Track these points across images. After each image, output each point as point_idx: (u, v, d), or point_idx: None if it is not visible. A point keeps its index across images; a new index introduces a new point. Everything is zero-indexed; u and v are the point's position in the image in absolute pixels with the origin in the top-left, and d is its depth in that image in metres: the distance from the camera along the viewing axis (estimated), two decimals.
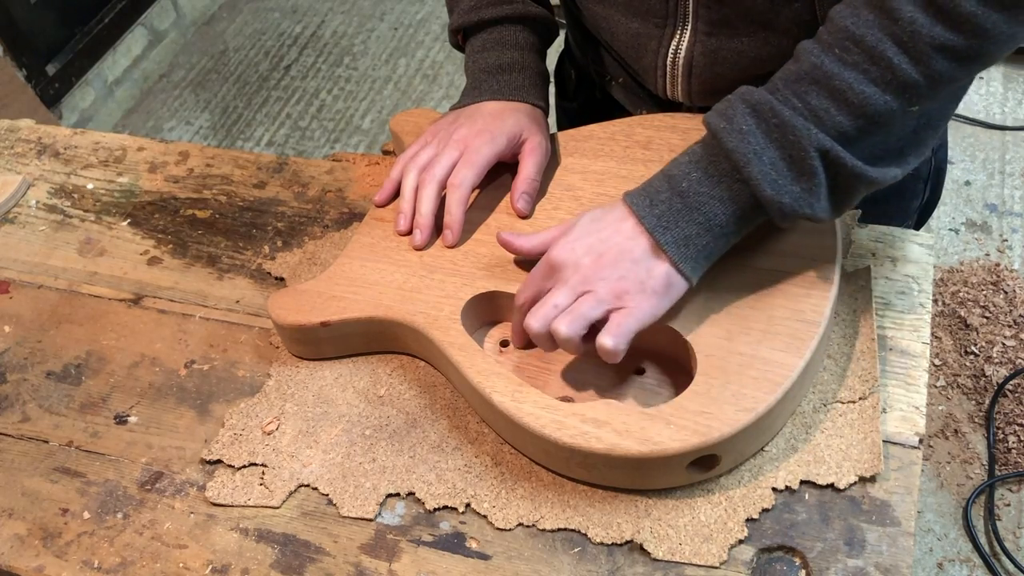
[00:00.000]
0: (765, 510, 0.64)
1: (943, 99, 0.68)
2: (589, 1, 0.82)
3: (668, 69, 0.80)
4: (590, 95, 0.99)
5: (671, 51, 0.78)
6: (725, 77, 0.78)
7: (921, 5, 0.58)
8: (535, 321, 0.66)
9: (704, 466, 0.64)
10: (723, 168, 0.63)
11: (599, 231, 0.67)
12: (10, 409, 0.78)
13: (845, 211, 0.65)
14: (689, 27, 0.76)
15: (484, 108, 0.80)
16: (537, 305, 0.67)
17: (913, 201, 0.93)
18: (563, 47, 1.03)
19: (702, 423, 0.62)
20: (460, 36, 0.87)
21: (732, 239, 0.66)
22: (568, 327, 0.64)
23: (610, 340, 0.63)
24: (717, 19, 0.75)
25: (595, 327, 0.65)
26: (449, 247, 0.77)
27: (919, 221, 0.97)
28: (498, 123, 0.79)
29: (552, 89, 0.89)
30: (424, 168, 0.79)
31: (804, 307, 0.67)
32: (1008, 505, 1.53)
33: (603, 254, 0.65)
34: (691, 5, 0.75)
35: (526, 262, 0.74)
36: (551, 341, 0.66)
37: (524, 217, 0.78)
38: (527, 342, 0.72)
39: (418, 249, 0.77)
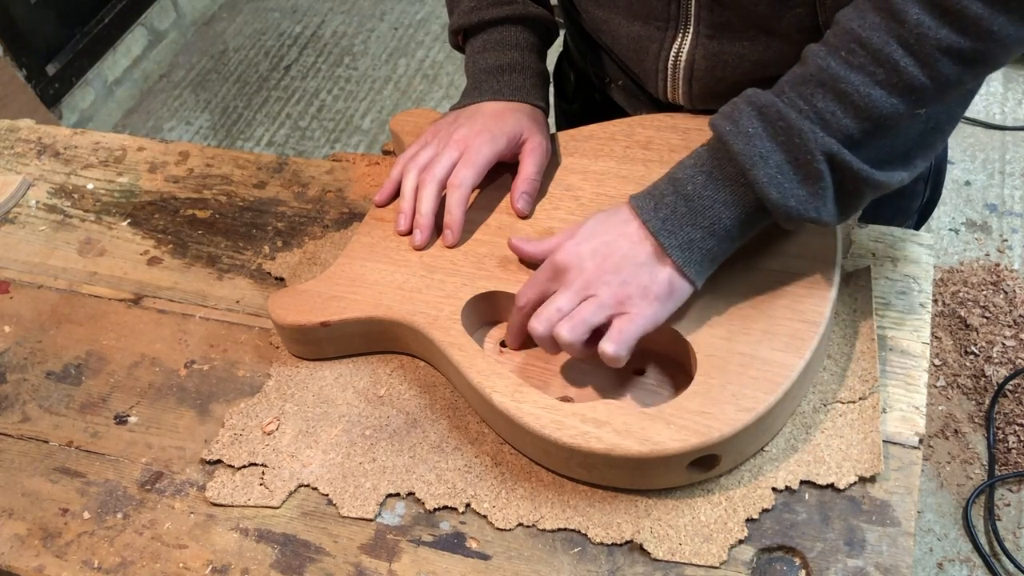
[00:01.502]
0: (765, 510, 0.64)
1: (950, 102, 0.68)
2: (590, 4, 0.82)
3: (669, 72, 0.80)
4: (589, 97, 0.99)
5: (672, 54, 0.78)
6: (726, 81, 0.78)
7: (927, 8, 0.58)
8: (539, 324, 0.66)
9: (704, 466, 0.64)
10: (728, 171, 0.63)
11: (604, 234, 0.66)
12: (10, 409, 0.78)
13: (851, 215, 0.65)
14: (691, 31, 0.76)
15: (484, 108, 0.80)
16: (541, 308, 0.67)
17: (913, 201, 0.93)
18: (562, 49, 1.03)
19: (702, 423, 0.62)
20: (460, 37, 0.86)
21: (737, 243, 0.66)
22: (570, 332, 0.64)
23: (611, 346, 0.63)
24: (719, 23, 0.75)
25: (598, 331, 0.65)
26: (449, 247, 0.77)
27: (919, 221, 0.97)
28: (498, 123, 0.79)
29: (551, 90, 0.89)
30: (424, 168, 0.79)
31: (804, 307, 0.67)
32: (1008, 505, 1.53)
33: (607, 257, 0.65)
34: (693, 8, 0.75)
35: (527, 263, 0.74)
36: (554, 344, 0.66)
37: (524, 217, 0.78)
38: (524, 342, 0.72)
39: (418, 249, 0.77)
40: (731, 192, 0.63)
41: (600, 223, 0.68)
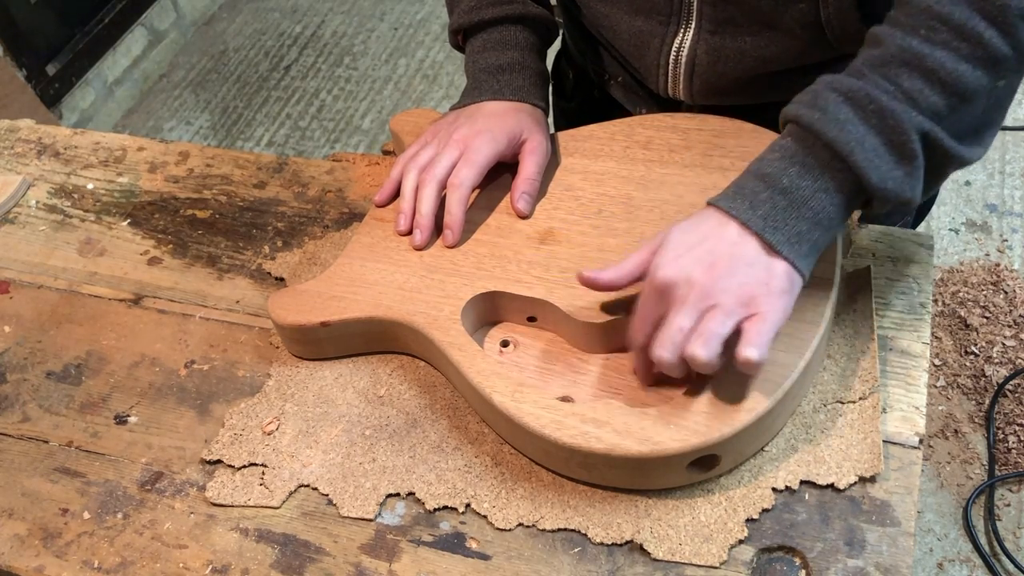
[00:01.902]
0: (765, 510, 0.64)
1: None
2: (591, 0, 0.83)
3: (670, 67, 0.80)
4: (588, 94, 0.99)
5: (674, 49, 0.78)
6: (727, 76, 0.78)
7: None
8: (665, 351, 0.61)
9: (704, 466, 0.64)
10: (823, 159, 0.62)
11: (700, 242, 0.63)
12: (10, 409, 0.78)
13: (930, 193, 0.65)
14: (693, 25, 0.76)
15: (484, 108, 0.80)
16: (659, 333, 0.62)
17: None
18: (560, 46, 1.03)
19: (702, 423, 0.62)
20: (460, 36, 0.86)
21: (837, 231, 0.65)
22: (706, 349, 0.59)
23: (755, 351, 0.59)
24: (722, 18, 0.75)
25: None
26: (449, 247, 0.77)
27: (917, 219, 0.97)
28: (498, 123, 0.79)
29: (550, 88, 0.89)
30: (424, 168, 0.79)
31: (804, 307, 0.67)
32: (1008, 505, 1.53)
33: (714, 264, 0.61)
34: (695, 3, 0.75)
35: (529, 260, 0.74)
36: (685, 366, 0.62)
37: (524, 217, 0.78)
38: (657, 377, 0.67)
39: (418, 249, 0.77)
40: (831, 179, 0.62)
41: (688, 232, 0.64)
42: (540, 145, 0.79)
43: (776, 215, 0.62)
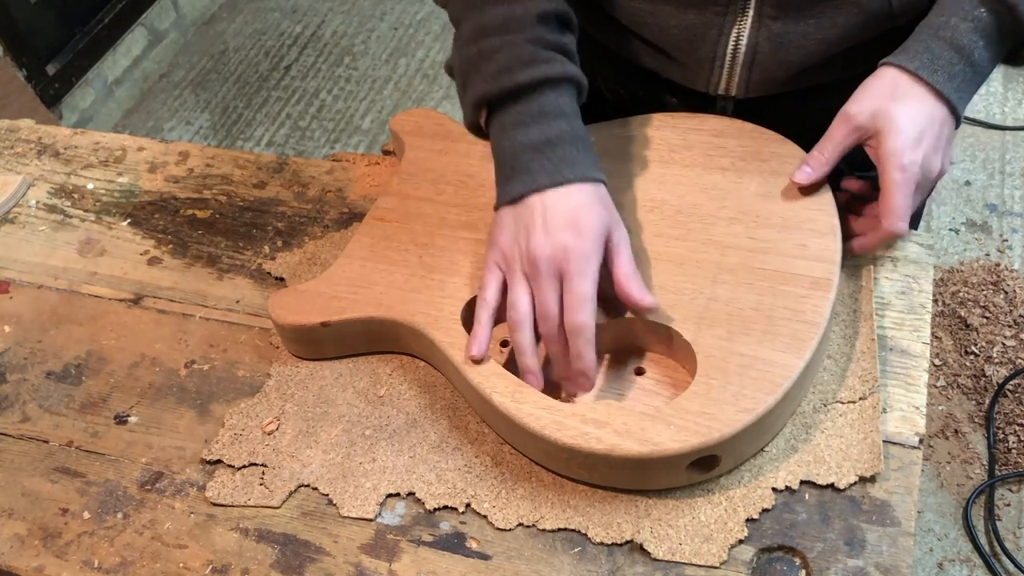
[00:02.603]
0: (765, 510, 0.64)
1: None
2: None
3: (727, 60, 0.78)
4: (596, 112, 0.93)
5: (732, 40, 0.76)
6: (787, 64, 0.76)
7: None
8: (903, 220, 0.69)
9: (704, 467, 0.64)
10: (1008, 29, 0.69)
11: (928, 128, 0.69)
12: (10, 409, 0.78)
13: None
14: (751, 13, 0.75)
15: (549, 205, 0.67)
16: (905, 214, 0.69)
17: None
18: None
19: (702, 424, 0.62)
20: (484, 111, 0.72)
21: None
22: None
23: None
24: (784, 1, 0.73)
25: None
26: (586, 392, 0.69)
27: (915, 215, 0.97)
28: (582, 230, 0.66)
29: None
30: (542, 318, 0.67)
31: (804, 307, 0.67)
32: (1008, 505, 1.53)
33: (937, 148, 0.70)
34: None
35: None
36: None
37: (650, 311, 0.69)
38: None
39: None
40: (1004, 48, 0.70)
41: (913, 119, 0.69)
42: (624, 235, 0.69)
43: (965, 87, 0.69)
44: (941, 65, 0.67)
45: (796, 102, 0.81)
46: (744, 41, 0.76)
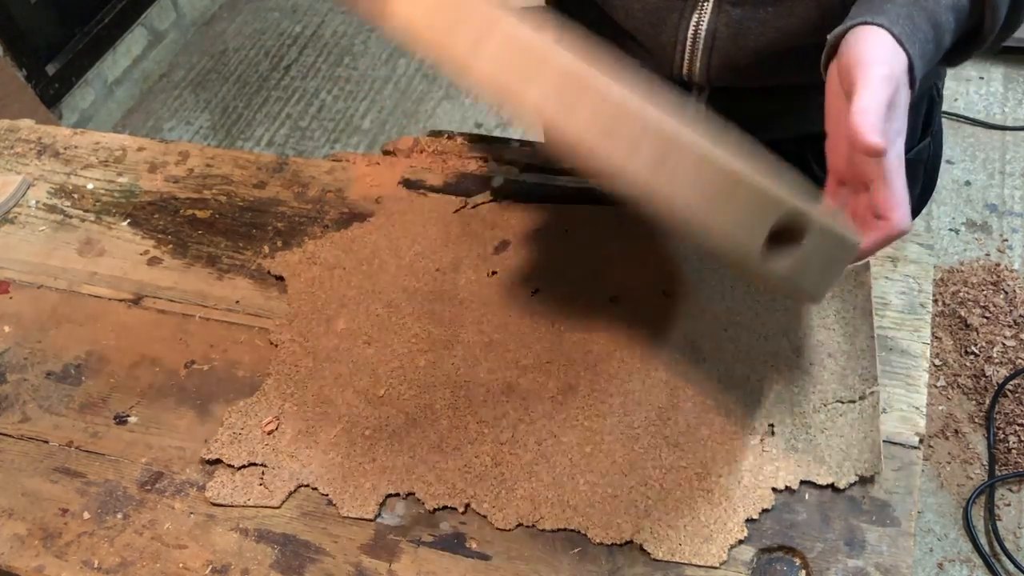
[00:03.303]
0: (765, 510, 0.64)
1: None
2: None
3: (688, 44, 0.79)
4: None
5: (692, 24, 0.77)
6: (747, 50, 0.77)
7: None
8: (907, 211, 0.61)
9: (783, 241, 0.57)
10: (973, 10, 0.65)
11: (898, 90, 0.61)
12: (10, 409, 0.78)
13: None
14: None
15: None
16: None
17: (913, 188, 0.93)
18: None
19: (792, 192, 0.56)
20: None
21: None
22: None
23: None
24: None
25: None
26: None
27: (914, 211, 0.97)
28: None
29: None
30: None
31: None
32: (1008, 505, 1.53)
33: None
34: None
35: None
36: None
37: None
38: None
39: None
40: (965, 24, 0.65)
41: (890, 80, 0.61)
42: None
43: (927, 56, 0.63)
44: (919, 38, 0.62)
45: (765, 101, 0.81)
46: (704, 26, 0.77)
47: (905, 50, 0.61)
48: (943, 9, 0.64)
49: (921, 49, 0.62)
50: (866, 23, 0.62)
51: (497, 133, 2.24)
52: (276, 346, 0.79)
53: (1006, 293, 1.77)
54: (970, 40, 0.69)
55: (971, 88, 2.23)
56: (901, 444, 0.67)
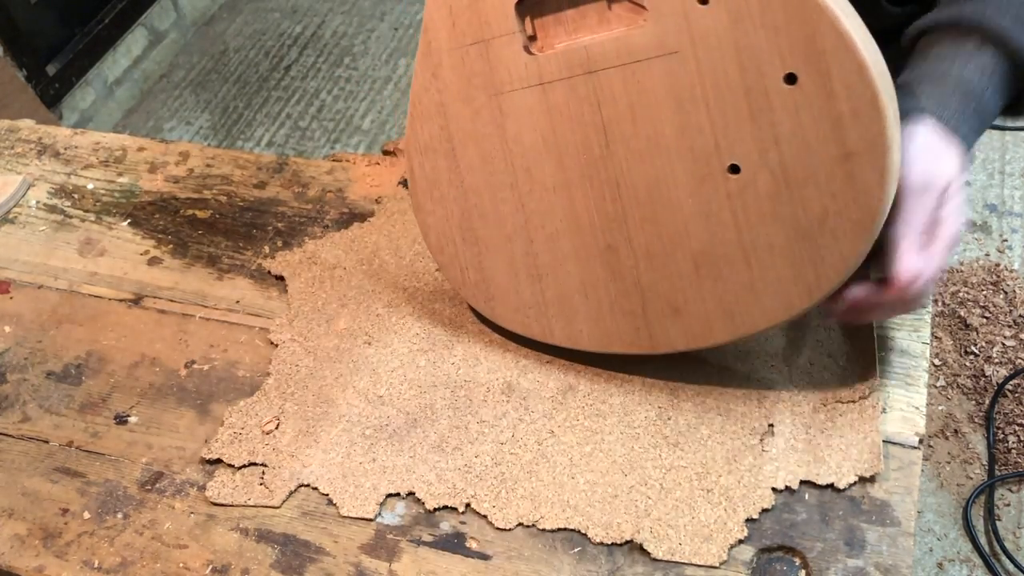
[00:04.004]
0: (765, 510, 0.64)
1: None
2: None
3: None
4: None
5: None
6: None
7: None
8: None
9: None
10: (1011, 81, 0.67)
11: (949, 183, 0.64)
12: (10, 409, 0.78)
13: None
14: None
15: None
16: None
17: None
18: None
19: None
20: None
21: None
22: None
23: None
24: None
25: None
26: None
27: None
28: None
29: None
30: None
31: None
32: (1008, 505, 1.53)
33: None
34: None
35: None
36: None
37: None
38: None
39: None
40: (1012, 91, 0.68)
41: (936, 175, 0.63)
42: None
43: (973, 134, 0.67)
44: (963, 118, 0.64)
45: None
46: None
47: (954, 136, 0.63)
48: (974, 78, 0.66)
49: (967, 127, 0.65)
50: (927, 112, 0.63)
51: None
52: (276, 346, 0.79)
53: (1006, 293, 1.77)
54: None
55: None
56: (901, 444, 0.67)
